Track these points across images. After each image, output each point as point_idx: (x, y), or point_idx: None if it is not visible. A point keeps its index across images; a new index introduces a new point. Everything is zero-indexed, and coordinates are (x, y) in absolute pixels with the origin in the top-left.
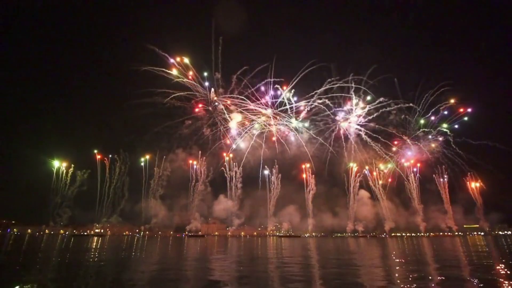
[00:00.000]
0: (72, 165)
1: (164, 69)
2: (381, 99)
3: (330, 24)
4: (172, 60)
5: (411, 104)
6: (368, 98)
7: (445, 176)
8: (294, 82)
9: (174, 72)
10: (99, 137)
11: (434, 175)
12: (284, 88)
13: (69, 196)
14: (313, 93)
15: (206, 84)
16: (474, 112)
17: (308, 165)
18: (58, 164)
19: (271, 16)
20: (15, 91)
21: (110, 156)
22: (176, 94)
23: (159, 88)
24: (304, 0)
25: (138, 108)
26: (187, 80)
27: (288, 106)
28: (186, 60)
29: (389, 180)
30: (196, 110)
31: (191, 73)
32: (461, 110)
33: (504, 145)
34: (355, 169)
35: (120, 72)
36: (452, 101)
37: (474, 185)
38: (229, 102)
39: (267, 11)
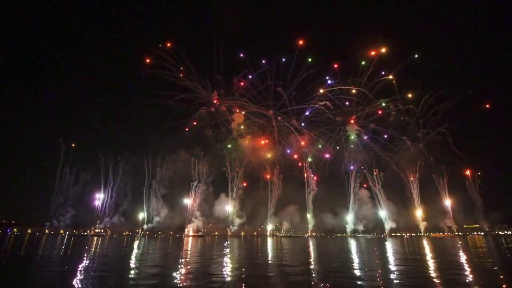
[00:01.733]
0: (76, 165)
1: (168, 72)
2: (381, 100)
3: (329, 27)
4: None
5: (410, 106)
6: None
7: (445, 176)
8: (295, 85)
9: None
10: (103, 138)
11: (433, 175)
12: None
13: (72, 196)
14: (314, 95)
15: (208, 83)
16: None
17: (309, 160)
18: (61, 164)
19: (271, 19)
20: (17, 91)
21: (114, 156)
22: (179, 96)
23: (163, 90)
24: (304, 3)
25: (142, 109)
26: (191, 83)
27: (290, 108)
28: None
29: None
30: (197, 117)
31: (181, 68)
32: (487, 106)
33: (503, 145)
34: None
35: (125, 74)
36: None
37: (473, 185)
38: (232, 103)
39: (268, 14)
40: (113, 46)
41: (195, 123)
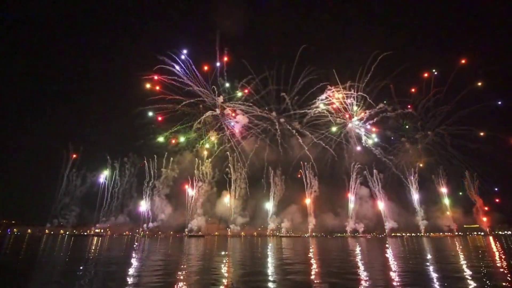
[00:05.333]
0: (83, 166)
1: (175, 77)
2: (381, 105)
3: (328, 32)
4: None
5: (409, 110)
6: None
7: (444, 176)
8: (296, 89)
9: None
10: (109, 141)
11: (432, 176)
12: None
13: (76, 196)
14: (315, 100)
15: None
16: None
17: (307, 161)
18: (69, 165)
19: (272, 24)
20: (23, 91)
21: (120, 158)
22: (186, 102)
23: (169, 94)
24: (303, 9)
25: (149, 113)
26: (197, 88)
27: (292, 112)
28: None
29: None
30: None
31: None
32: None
33: (501, 146)
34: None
35: (132, 78)
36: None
37: (472, 185)
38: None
39: (269, 19)
40: (119, 50)
41: (199, 126)
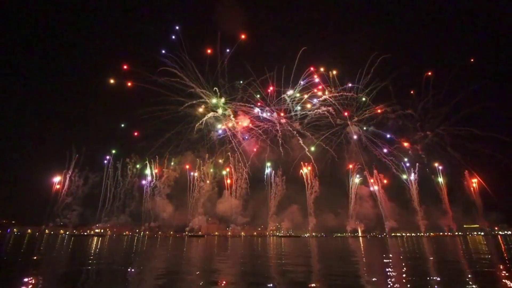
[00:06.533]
0: (85, 167)
1: (177, 79)
2: (380, 105)
3: (327, 34)
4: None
5: (408, 111)
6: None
7: (443, 176)
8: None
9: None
10: (112, 142)
11: (433, 176)
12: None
13: (78, 196)
14: (316, 101)
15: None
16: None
17: (306, 162)
18: (72, 166)
19: (272, 25)
20: (25, 91)
21: (122, 159)
22: (188, 103)
23: (171, 96)
24: (301, 10)
25: (151, 115)
26: (199, 89)
27: (293, 113)
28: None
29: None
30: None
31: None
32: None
33: (501, 146)
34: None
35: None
36: None
37: (473, 185)
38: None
39: (269, 20)
40: (119, 51)
41: (201, 127)
